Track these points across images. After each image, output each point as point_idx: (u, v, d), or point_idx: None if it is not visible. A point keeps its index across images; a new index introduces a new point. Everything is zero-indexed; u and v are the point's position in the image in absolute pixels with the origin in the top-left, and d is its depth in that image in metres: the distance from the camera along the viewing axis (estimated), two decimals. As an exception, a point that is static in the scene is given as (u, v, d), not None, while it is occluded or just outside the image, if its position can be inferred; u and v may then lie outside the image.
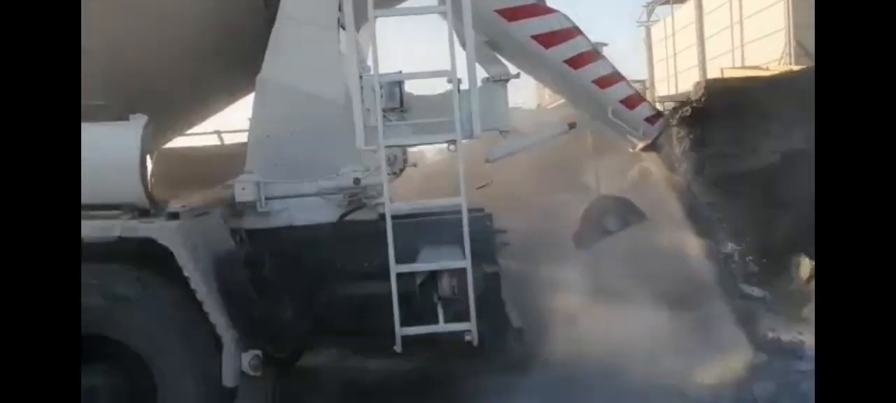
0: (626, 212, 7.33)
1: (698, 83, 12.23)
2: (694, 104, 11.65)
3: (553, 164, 9.05)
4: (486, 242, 6.40)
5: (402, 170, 5.82)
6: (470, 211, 6.93)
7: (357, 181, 5.66)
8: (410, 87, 6.14)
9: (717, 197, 10.56)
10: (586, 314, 8.30)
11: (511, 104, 6.68)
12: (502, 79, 6.27)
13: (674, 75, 29.83)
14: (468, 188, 6.32)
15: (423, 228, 6.19)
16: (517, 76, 6.34)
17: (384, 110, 5.32)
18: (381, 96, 5.28)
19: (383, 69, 5.43)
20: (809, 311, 8.16)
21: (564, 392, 7.17)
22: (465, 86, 5.48)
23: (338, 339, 6.19)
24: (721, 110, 11.50)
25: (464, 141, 5.47)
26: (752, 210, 10.77)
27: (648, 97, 14.59)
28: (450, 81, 5.25)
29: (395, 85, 5.60)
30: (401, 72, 5.71)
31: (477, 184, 7.25)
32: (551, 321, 7.46)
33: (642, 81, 17.80)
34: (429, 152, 11.38)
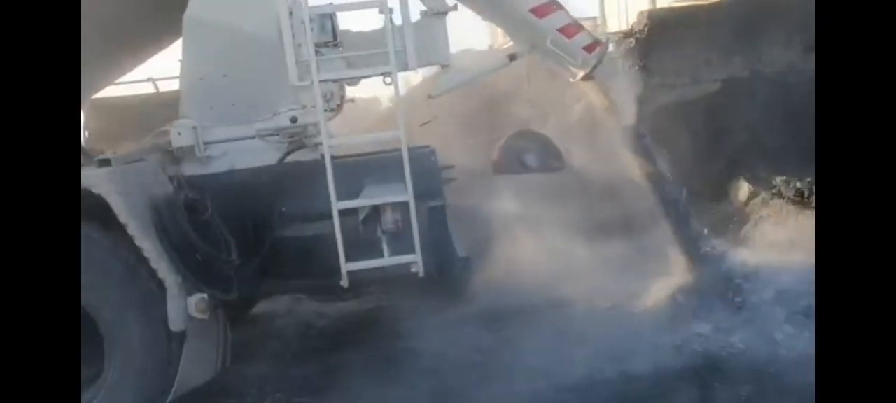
0: (546, 153, 7.44)
1: (642, 13, 12.29)
2: (637, 35, 11.77)
3: (501, 99, 9.10)
4: (430, 177, 6.47)
5: (339, 107, 5.78)
6: (414, 147, 6.99)
7: (294, 120, 5.60)
8: (350, 24, 6.06)
9: (660, 126, 10.82)
10: (530, 244, 8.54)
11: (463, 45, 6.68)
12: (440, 12, 6.20)
13: (625, 10, 29.77)
14: (411, 125, 6.35)
15: (368, 166, 6.21)
16: (455, 8, 6.28)
17: (317, 45, 5.23)
18: (312, 29, 5.17)
19: (314, 2, 5.33)
20: (746, 232, 8.54)
21: (510, 319, 7.40)
22: (400, 19, 5.44)
23: (285, 281, 6.19)
24: (663, 40, 11.66)
25: (403, 77, 5.48)
26: (694, 138, 11.07)
27: (601, 32, 14.63)
28: (382, 13, 5.18)
29: (326, 17, 5.50)
30: (332, 3, 5.60)
31: (421, 121, 7.24)
32: (497, 252, 7.65)
33: (594, 18, 17.83)
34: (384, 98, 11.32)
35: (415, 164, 6.45)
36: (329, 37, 5.52)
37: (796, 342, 6.13)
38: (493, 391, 5.97)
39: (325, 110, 5.42)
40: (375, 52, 5.28)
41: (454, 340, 7.11)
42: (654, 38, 11.55)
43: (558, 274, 8.16)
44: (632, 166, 7.68)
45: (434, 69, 6.83)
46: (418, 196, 6.11)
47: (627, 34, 11.93)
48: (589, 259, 8.08)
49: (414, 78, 7.60)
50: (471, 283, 7.22)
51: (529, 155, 7.45)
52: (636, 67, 11.60)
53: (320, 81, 5.11)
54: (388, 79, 5.36)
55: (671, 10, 13.83)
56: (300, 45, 5.20)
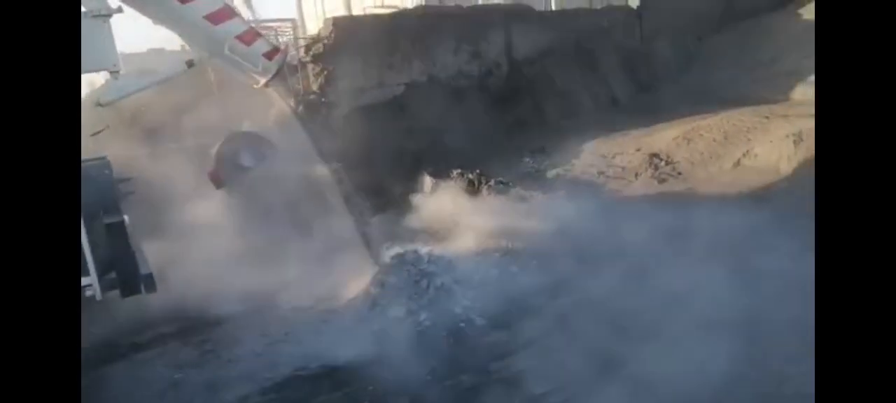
0: (259, 146, 7.43)
1: (327, 20, 12.73)
2: (324, 41, 12.16)
3: (186, 105, 8.68)
4: (105, 192, 5.98)
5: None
6: (86, 160, 6.37)
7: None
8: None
9: (348, 128, 11.39)
10: (227, 250, 8.37)
11: (153, 45, 6.17)
12: (103, 14, 5.74)
13: (322, 14, 30.08)
14: (83, 134, 5.75)
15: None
16: (120, 10, 5.86)
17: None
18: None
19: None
20: (430, 221, 9.45)
21: (211, 331, 7.20)
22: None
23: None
24: (350, 46, 12.25)
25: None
26: (382, 137, 11.88)
27: (298, 36, 14.71)
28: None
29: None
30: None
31: (92, 131, 6.61)
32: (193, 262, 7.34)
33: (292, 19, 17.78)
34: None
35: (87, 180, 5.91)
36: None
37: (472, 313, 7.01)
38: (195, 407, 5.78)
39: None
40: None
41: (150, 361, 6.70)
42: (341, 44, 12.08)
43: (258, 278, 8.16)
44: (319, 168, 7.98)
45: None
46: (92, 213, 5.62)
47: (315, 40, 12.27)
48: (287, 260, 8.22)
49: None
50: (162, 299, 6.82)
51: (244, 154, 7.28)
52: (326, 73, 12.04)
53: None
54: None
55: (354, 18, 14.58)
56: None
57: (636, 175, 9.39)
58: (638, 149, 10.22)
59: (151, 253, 6.51)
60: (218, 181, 7.55)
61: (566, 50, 14.15)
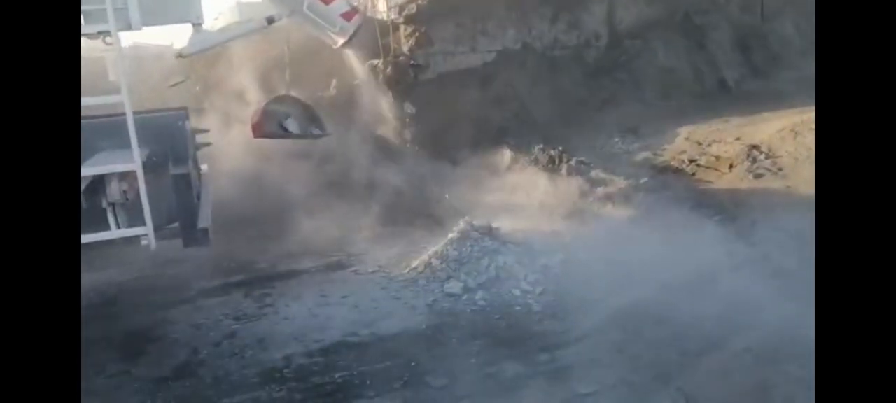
0: (307, 120, 7.43)
1: (423, -19, 12.53)
2: (418, 2, 12.02)
3: (263, 63, 8.84)
4: (177, 142, 6.15)
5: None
6: (163, 110, 6.58)
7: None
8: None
9: (434, 92, 11.25)
10: (296, 209, 8.54)
11: None
12: (189, -34, 5.85)
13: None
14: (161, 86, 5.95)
15: (101, 130, 5.73)
16: (204, -36, 5.96)
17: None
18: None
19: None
20: (503, 197, 9.19)
21: (273, 286, 7.37)
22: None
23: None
24: (444, 9, 12.04)
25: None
26: (468, 105, 11.67)
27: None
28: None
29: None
30: None
31: (171, 81, 6.82)
32: (259, 217, 7.55)
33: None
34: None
35: (161, 129, 6.10)
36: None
37: (530, 298, 6.76)
38: (245, 359, 5.92)
39: (41, 68, 4.87)
40: (93, 8, 4.81)
41: (212, 309, 6.95)
42: (436, 5, 11.90)
43: (328, 239, 8.28)
44: (393, 133, 7.93)
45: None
46: (160, 163, 5.80)
47: (409, 0, 12.15)
48: (358, 223, 8.27)
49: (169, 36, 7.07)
50: (234, 249, 7.04)
51: (291, 120, 7.35)
52: (418, 35, 11.91)
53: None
54: (109, 39, 4.93)
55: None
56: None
57: (731, 166, 8.68)
58: (737, 139, 9.44)
59: (226, 206, 6.72)
60: (257, 133, 7.61)
61: (673, 23, 13.25)
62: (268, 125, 7.27)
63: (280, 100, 7.40)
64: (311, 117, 7.44)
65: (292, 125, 7.31)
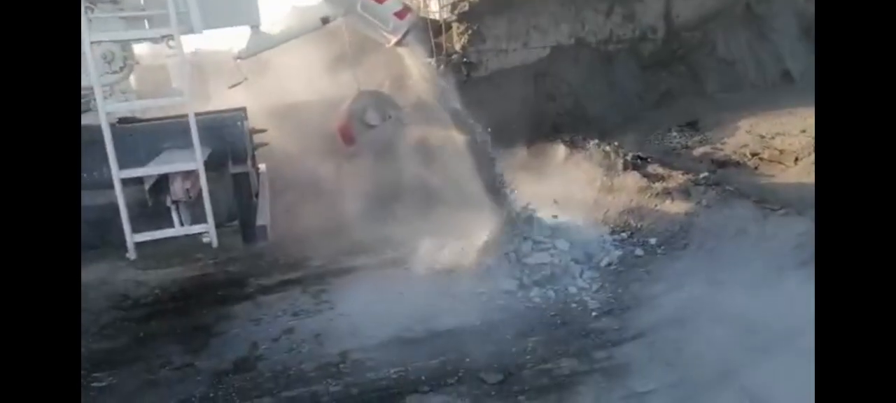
0: (383, 105, 7.52)
1: (475, -22, 12.50)
2: (471, 0, 11.99)
3: (317, 62, 8.97)
4: (237, 142, 6.32)
5: (122, 69, 5.43)
6: (223, 111, 6.76)
7: (74, 83, 5.21)
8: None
9: (488, 90, 11.20)
10: (359, 205, 8.64)
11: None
12: (248, -28, 6.00)
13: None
14: (222, 86, 6.10)
15: (167, 131, 5.95)
16: (264, -30, 6.11)
17: (90, 0, 4.86)
18: (85, -16, 4.79)
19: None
20: (559, 193, 9.08)
21: (331, 282, 7.49)
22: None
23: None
24: (497, 5, 11.97)
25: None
26: (521, 101, 11.58)
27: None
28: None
29: (101, -29, 5.12)
30: None
31: (230, 82, 7.00)
32: (317, 214, 7.67)
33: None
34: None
35: (221, 129, 6.28)
36: (104, -7, 5.13)
37: (586, 295, 6.67)
38: (302, 354, 6.03)
39: (109, 73, 5.08)
40: (156, 13, 4.99)
41: (271, 305, 7.11)
42: (487, 3, 11.84)
43: (386, 235, 8.36)
44: (450, 130, 7.92)
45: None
46: (220, 163, 5.97)
47: (461, -1, 12.16)
48: (415, 220, 8.32)
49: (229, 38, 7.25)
50: (292, 246, 7.16)
51: (369, 112, 7.47)
52: (470, 31, 11.89)
53: (92, 42, 4.76)
54: (173, 42, 5.10)
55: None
56: (71, 3, 4.81)
57: (796, 160, 8.33)
58: (803, 131, 9.06)
59: (284, 204, 6.84)
60: (348, 137, 7.76)
61: (733, 14, 12.82)
62: (354, 128, 7.44)
63: (355, 99, 7.54)
64: (383, 102, 7.57)
65: (372, 117, 7.44)
